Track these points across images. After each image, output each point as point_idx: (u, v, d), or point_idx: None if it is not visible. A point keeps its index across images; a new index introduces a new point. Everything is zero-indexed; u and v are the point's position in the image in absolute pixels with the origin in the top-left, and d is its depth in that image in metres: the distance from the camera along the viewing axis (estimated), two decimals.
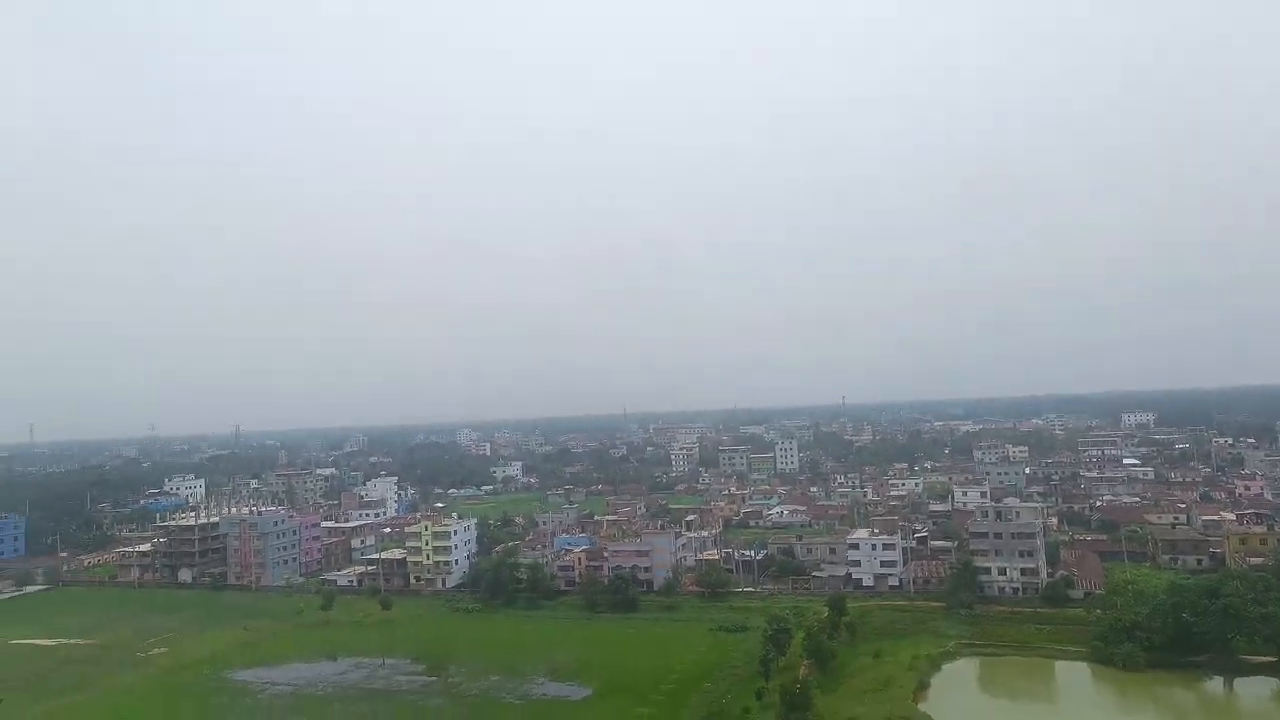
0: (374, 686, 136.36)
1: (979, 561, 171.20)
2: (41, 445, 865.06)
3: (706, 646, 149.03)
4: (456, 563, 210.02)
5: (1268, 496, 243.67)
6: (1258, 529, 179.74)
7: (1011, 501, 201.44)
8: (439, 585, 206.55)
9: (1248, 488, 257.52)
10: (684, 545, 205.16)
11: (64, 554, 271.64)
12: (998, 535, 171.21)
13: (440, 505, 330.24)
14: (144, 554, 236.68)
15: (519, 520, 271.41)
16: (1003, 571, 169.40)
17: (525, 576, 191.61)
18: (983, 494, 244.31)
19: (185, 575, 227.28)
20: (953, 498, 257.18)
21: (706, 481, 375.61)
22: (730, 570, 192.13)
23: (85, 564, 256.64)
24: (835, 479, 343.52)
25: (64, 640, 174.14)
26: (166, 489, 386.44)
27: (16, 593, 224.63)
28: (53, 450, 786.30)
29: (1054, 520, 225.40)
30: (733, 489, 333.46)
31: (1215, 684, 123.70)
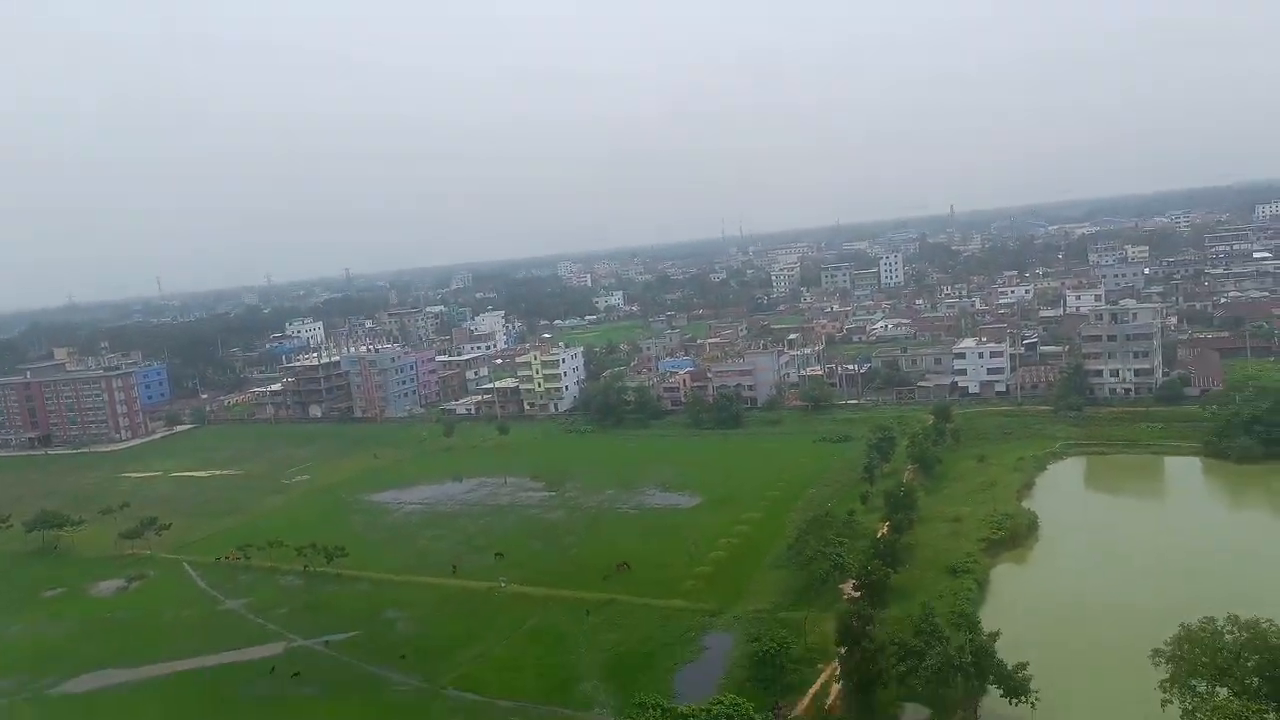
0: (498, 502, 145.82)
1: (1090, 365, 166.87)
2: (170, 297, 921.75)
3: (810, 457, 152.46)
4: (566, 389, 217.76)
5: None
6: None
7: (1128, 303, 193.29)
8: (551, 410, 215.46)
9: None
10: (786, 363, 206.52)
11: (204, 396, 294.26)
12: (1111, 337, 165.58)
13: (547, 336, 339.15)
14: (275, 393, 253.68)
15: (623, 347, 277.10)
16: (1115, 373, 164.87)
17: (632, 399, 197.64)
18: (1097, 297, 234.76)
19: (315, 411, 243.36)
20: (1065, 303, 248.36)
21: (808, 300, 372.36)
22: (833, 384, 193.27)
23: (225, 404, 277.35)
24: (941, 291, 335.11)
25: (215, 471, 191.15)
26: (288, 333, 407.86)
27: (168, 432, 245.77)
28: (180, 301, 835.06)
29: (1173, 319, 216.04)
30: (835, 306, 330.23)
31: None
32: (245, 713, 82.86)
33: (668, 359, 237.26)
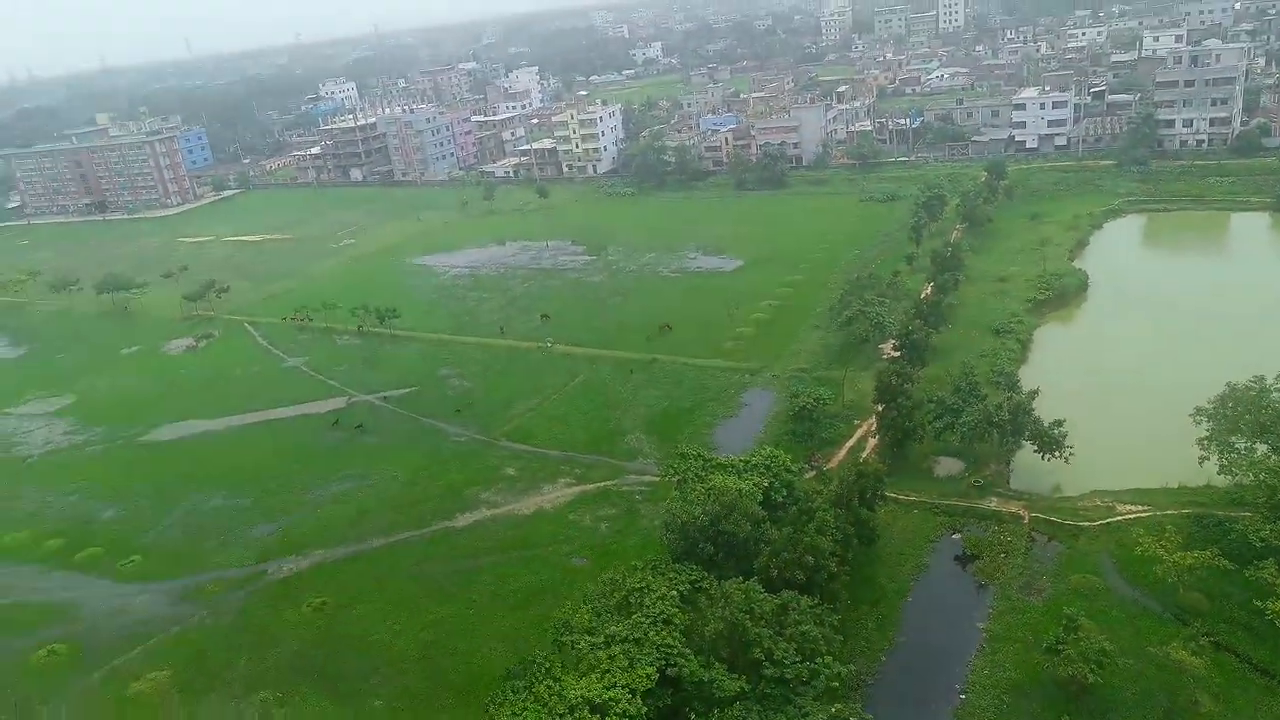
0: (541, 266, 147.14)
1: (1162, 114, 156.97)
2: (199, 59, 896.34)
3: (856, 217, 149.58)
4: (605, 149, 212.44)
5: None
6: None
7: (1211, 44, 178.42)
8: (590, 172, 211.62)
9: None
10: (834, 118, 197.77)
11: (246, 160, 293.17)
12: (1189, 83, 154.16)
13: (583, 93, 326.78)
14: (316, 157, 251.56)
15: (663, 104, 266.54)
16: (1188, 123, 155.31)
17: (673, 159, 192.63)
18: (1177, 38, 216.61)
19: (356, 174, 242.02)
20: (1141, 45, 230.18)
21: (859, 49, 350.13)
22: (883, 140, 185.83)
23: (267, 169, 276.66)
24: (1005, 35, 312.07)
25: (266, 236, 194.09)
26: (322, 94, 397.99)
27: (216, 197, 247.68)
28: (211, 63, 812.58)
29: (1260, 61, 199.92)
30: (888, 55, 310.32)
31: None
32: (319, 458, 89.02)
33: (709, 116, 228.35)
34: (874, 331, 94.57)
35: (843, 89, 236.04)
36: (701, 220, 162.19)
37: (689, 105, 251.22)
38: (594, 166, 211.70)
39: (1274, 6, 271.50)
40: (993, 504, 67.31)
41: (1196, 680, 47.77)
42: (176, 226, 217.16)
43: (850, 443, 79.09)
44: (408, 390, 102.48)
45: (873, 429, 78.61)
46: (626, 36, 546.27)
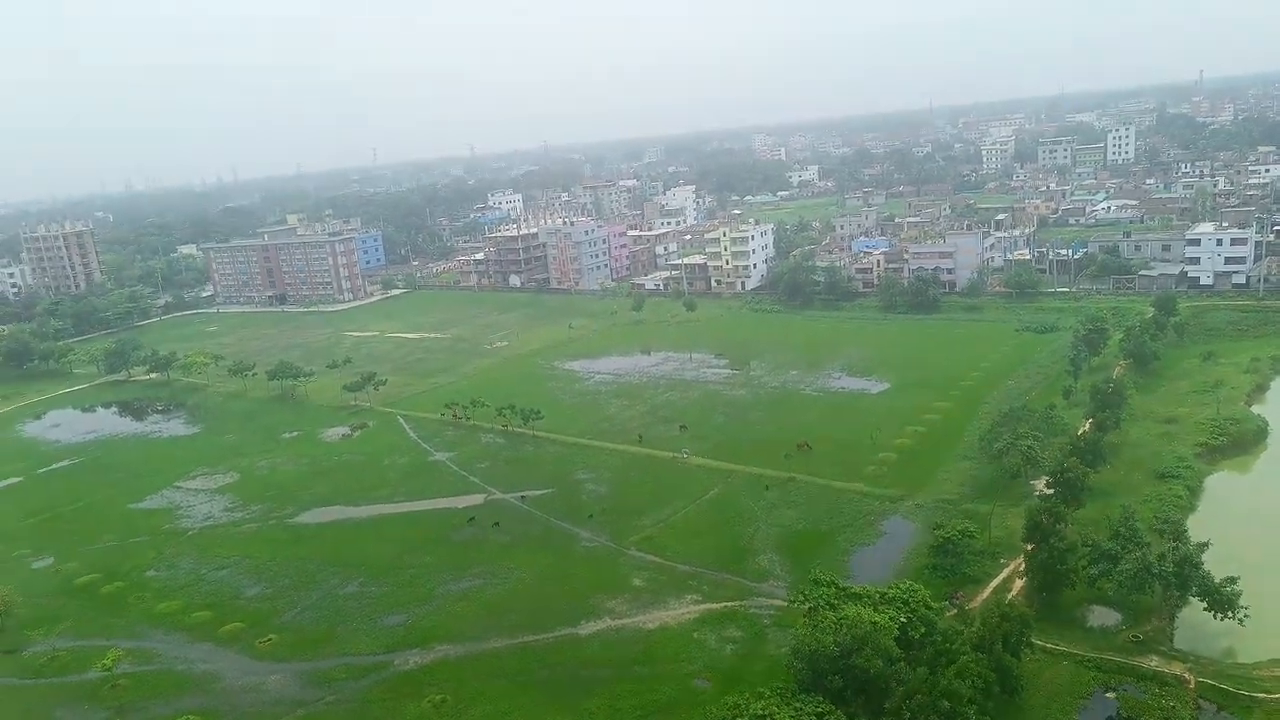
0: (683, 377, 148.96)
1: None
2: (382, 166, 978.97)
3: (1011, 347, 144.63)
4: (755, 266, 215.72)
5: None
6: None
7: None
8: (738, 288, 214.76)
9: None
10: (991, 245, 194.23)
11: (415, 262, 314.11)
12: None
13: (737, 212, 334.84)
14: (479, 262, 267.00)
15: (815, 225, 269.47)
16: None
17: (822, 279, 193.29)
18: None
19: (514, 280, 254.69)
20: None
21: (1021, 178, 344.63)
22: (1042, 270, 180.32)
23: (433, 271, 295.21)
24: (1179, 169, 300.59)
25: (425, 334, 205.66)
26: (490, 203, 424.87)
27: (383, 296, 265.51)
28: (393, 171, 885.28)
29: None
30: (1051, 185, 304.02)
31: None
32: (453, 552, 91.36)
33: (862, 238, 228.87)
34: (1026, 466, 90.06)
35: (1001, 217, 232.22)
36: (848, 341, 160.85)
37: (841, 227, 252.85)
38: (743, 283, 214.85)
39: None
40: (1153, 663, 61.43)
41: None
42: (344, 321, 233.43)
43: (996, 582, 74.55)
44: (544, 491, 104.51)
45: (1020, 569, 73.97)
46: (783, 159, 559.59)
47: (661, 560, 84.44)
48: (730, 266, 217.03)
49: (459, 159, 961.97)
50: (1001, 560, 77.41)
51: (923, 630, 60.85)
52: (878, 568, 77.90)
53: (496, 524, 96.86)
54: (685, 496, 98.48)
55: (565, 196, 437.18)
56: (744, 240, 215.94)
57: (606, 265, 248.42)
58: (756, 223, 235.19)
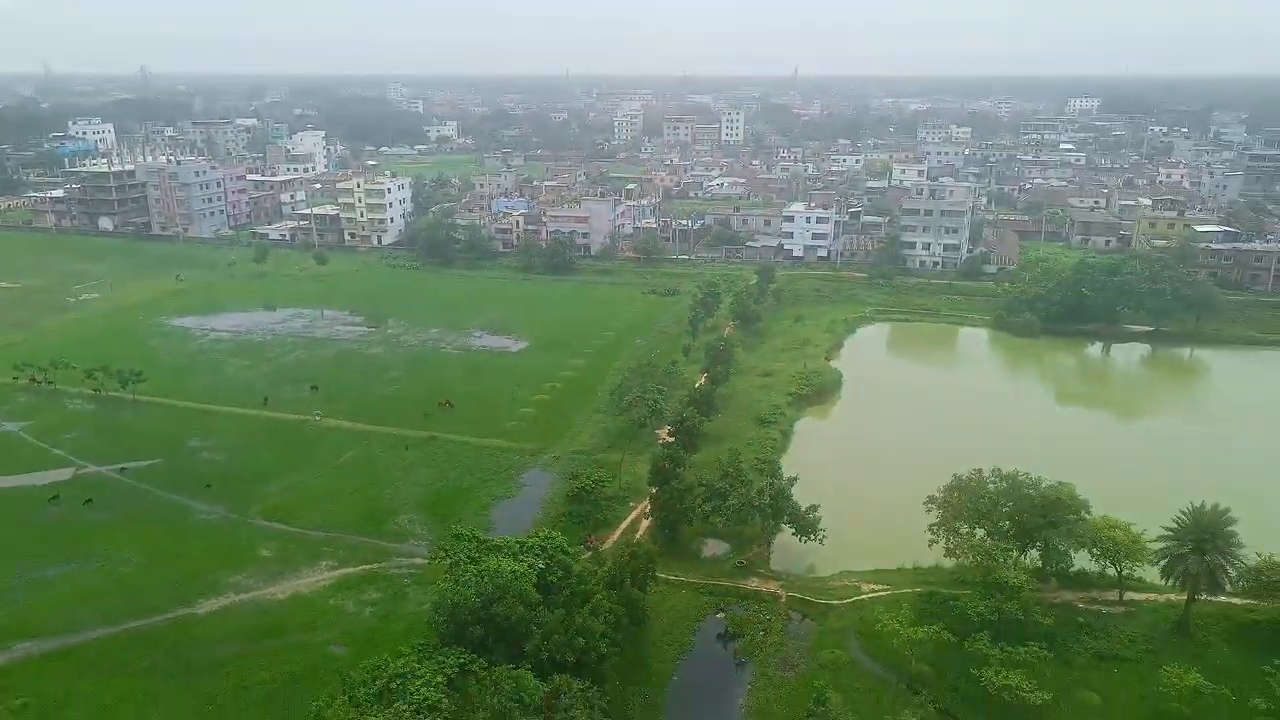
0: (314, 335, 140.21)
1: (906, 236, 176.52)
2: None
3: (639, 308, 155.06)
4: (392, 220, 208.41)
5: (1186, 185, 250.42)
6: (1168, 214, 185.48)
7: (946, 181, 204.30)
8: (374, 243, 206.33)
9: (1169, 175, 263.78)
10: (623, 213, 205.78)
11: None
12: (928, 212, 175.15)
13: (372, 163, 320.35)
14: (57, 200, 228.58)
15: (455, 182, 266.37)
16: (927, 246, 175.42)
17: (462, 237, 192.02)
18: (920, 172, 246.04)
19: (106, 223, 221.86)
20: (891, 175, 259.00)
21: (649, 151, 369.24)
22: (667, 239, 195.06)
23: None
24: (779, 153, 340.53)
25: None
26: (71, 133, 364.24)
27: None
28: None
29: (984, 200, 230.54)
30: (675, 160, 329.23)
31: (1095, 349, 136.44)
32: (35, 537, 78.09)
33: (501, 199, 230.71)
34: (651, 417, 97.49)
35: (631, 187, 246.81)
36: (488, 300, 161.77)
37: (481, 186, 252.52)
38: (379, 238, 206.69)
39: (995, 155, 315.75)
40: (754, 584, 70.23)
41: None
42: None
43: (625, 524, 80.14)
44: (150, 462, 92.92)
45: (646, 511, 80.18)
46: (421, 112, 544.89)
47: (291, 529, 79.29)
48: (366, 219, 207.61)
49: (29, 76, 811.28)
50: (630, 504, 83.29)
51: (560, 574, 63.54)
52: (518, 519, 79.91)
53: (89, 501, 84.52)
54: (317, 461, 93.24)
55: (170, 131, 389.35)
56: (381, 193, 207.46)
57: (223, 211, 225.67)
58: (394, 175, 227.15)
